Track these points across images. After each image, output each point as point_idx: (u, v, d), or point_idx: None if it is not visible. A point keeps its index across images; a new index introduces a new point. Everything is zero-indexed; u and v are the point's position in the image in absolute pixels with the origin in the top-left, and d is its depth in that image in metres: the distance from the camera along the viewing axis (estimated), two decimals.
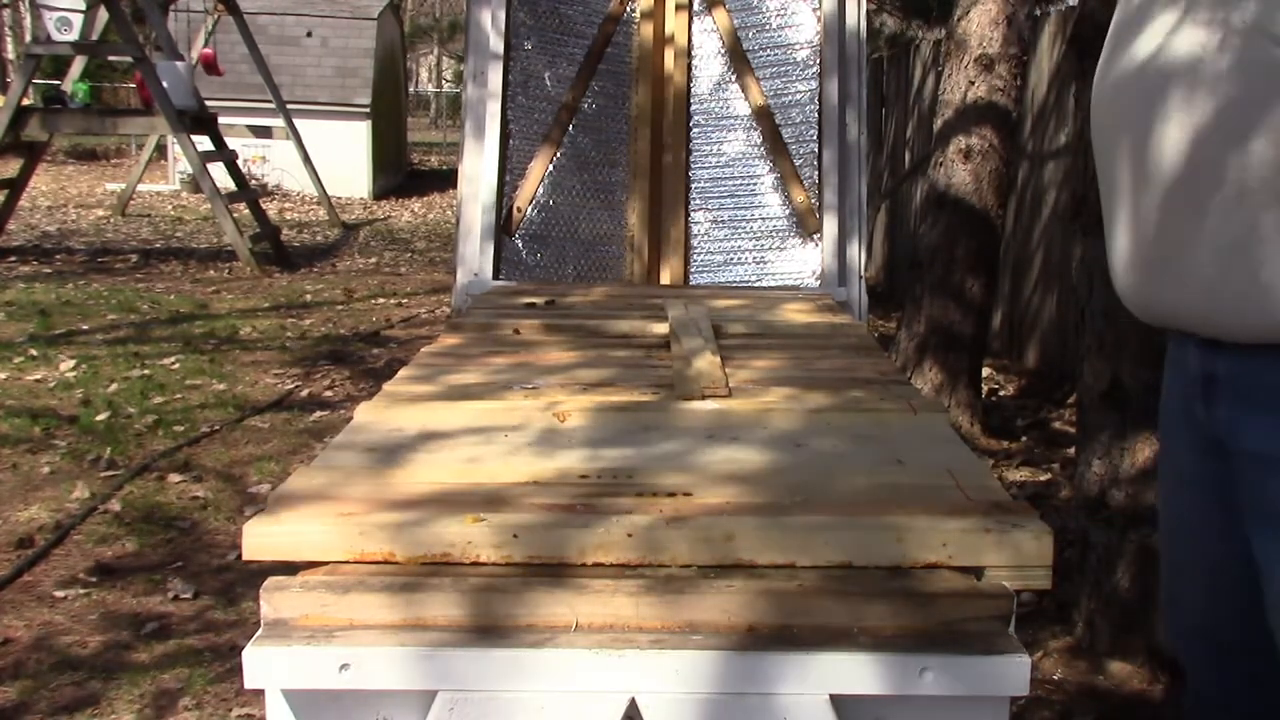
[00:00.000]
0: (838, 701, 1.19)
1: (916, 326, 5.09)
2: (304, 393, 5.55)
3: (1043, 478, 4.42)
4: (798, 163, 3.37)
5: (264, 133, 14.80)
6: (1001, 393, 5.96)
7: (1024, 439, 5.01)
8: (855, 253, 3.29)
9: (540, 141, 3.39)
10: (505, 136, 3.28)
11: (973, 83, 4.96)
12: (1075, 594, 2.99)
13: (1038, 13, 6.12)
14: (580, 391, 1.94)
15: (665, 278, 3.46)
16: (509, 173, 3.30)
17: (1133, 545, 2.80)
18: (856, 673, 1.18)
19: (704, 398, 1.89)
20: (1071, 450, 3.68)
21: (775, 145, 3.39)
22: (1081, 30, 2.90)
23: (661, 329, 2.48)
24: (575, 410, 1.80)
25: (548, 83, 3.42)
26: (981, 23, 4.96)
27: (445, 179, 17.06)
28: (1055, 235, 6.13)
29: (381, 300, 8.32)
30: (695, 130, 3.53)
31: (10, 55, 22.68)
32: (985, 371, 5.62)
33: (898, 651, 1.19)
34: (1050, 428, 5.19)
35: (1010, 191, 5.56)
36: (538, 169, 3.36)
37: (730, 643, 1.20)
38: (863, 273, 3.33)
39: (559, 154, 3.41)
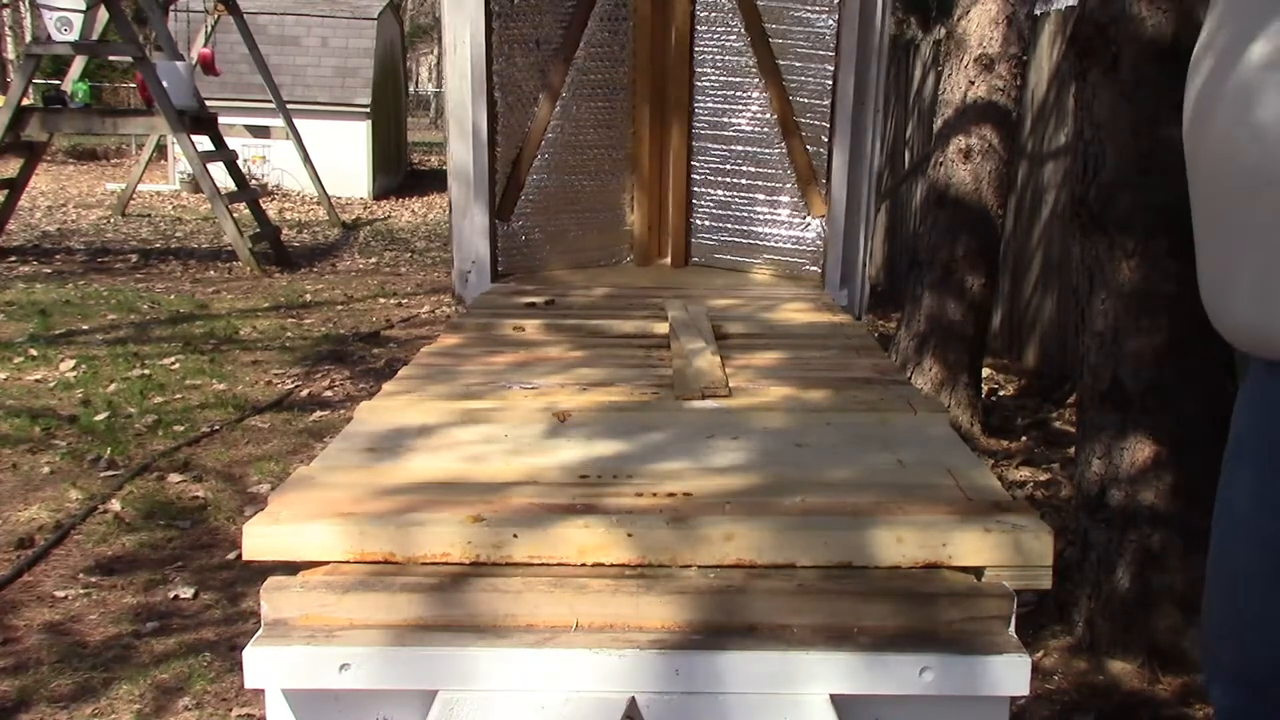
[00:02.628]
0: (838, 701, 1.19)
1: (916, 325, 5.09)
2: (304, 393, 5.55)
3: (1043, 478, 4.42)
4: (809, 148, 3.29)
5: (264, 133, 14.81)
6: (1001, 392, 5.96)
7: (1024, 439, 5.01)
8: (858, 252, 3.27)
9: (530, 117, 3.27)
10: (492, 118, 3.12)
11: (973, 82, 4.96)
12: (1075, 594, 2.99)
13: (1038, 12, 6.12)
14: (580, 391, 1.95)
15: (666, 252, 3.45)
16: (499, 146, 3.18)
17: (1133, 545, 2.80)
18: (856, 673, 1.18)
19: (704, 397, 1.89)
20: (1071, 450, 3.68)
21: (786, 125, 3.28)
22: (1081, 30, 2.90)
23: (661, 329, 2.48)
24: (575, 410, 1.80)
25: (535, 51, 3.24)
26: (981, 22, 4.95)
27: (445, 179, 17.01)
28: (1055, 235, 6.13)
29: (381, 300, 8.32)
30: (699, 105, 3.44)
31: (10, 55, 22.68)
32: (985, 371, 5.62)
33: (898, 651, 1.19)
34: (1050, 428, 5.18)
35: (1010, 191, 5.56)
36: (530, 148, 3.27)
37: (730, 643, 1.20)
38: (865, 263, 3.31)
39: (551, 125, 3.30)
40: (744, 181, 3.44)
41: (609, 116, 3.43)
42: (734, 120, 3.42)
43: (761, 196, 3.42)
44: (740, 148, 3.43)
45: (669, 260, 3.55)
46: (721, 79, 3.41)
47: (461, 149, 3.12)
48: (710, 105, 3.45)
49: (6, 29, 23.64)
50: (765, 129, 3.36)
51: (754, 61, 3.32)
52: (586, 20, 3.30)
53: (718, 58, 3.41)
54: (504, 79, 3.15)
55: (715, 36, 3.40)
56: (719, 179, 3.48)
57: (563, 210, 3.42)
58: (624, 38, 3.39)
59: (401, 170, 18.43)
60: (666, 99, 3.44)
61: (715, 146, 3.47)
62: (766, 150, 3.37)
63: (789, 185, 3.34)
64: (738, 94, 3.40)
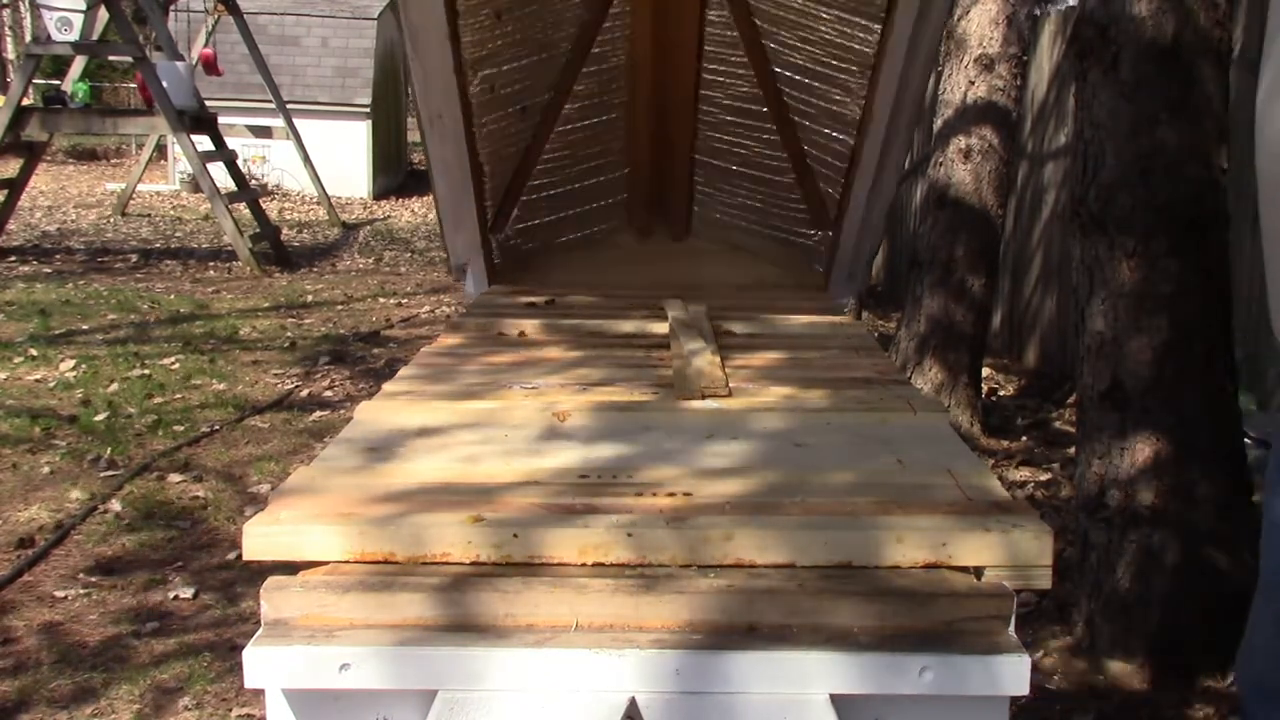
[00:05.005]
0: (838, 701, 1.19)
1: (916, 326, 5.09)
2: (304, 393, 5.55)
3: (1043, 478, 4.42)
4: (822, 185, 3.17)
5: (264, 133, 14.81)
6: (1001, 392, 5.95)
7: (1024, 439, 5.01)
8: (863, 259, 3.23)
9: (521, 154, 3.15)
10: (478, 172, 2.95)
11: (973, 83, 4.96)
12: (1075, 594, 2.99)
13: (1037, 12, 6.12)
14: (580, 391, 1.94)
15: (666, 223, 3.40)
16: (485, 184, 3.05)
17: (1133, 545, 2.80)
18: (856, 673, 1.18)
19: (704, 397, 1.88)
20: (1071, 450, 3.67)
21: (798, 165, 3.16)
22: (1081, 30, 2.90)
23: (661, 329, 2.48)
24: (575, 410, 1.80)
25: (522, 114, 3.04)
26: (981, 22, 4.96)
27: None
28: (1055, 235, 6.13)
29: (381, 300, 8.32)
30: (703, 132, 3.39)
31: (10, 55, 22.67)
32: (985, 371, 5.62)
33: (898, 651, 1.19)
34: (1050, 428, 5.18)
35: (1010, 191, 5.56)
36: (521, 178, 3.18)
37: (730, 643, 1.20)
38: (869, 268, 3.29)
39: (544, 155, 3.22)
40: (747, 185, 3.43)
41: (606, 124, 3.37)
42: (739, 152, 3.36)
43: (764, 203, 3.40)
44: (744, 168, 3.38)
45: (669, 232, 3.51)
46: (727, 117, 3.31)
47: (446, 188, 2.95)
48: (715, 136, 3.38)
49: (6, 29, 23.63)
50: (774, 162, 3.29)
51: (765, 111, 3.17)
52: (577, 76, 3.13)
53: (725, 102, 3.27)
54: (490, 138, 3.01)
55: (722, 84, 3.25)
56: (721, 174, 3.46)
57: (559, 207, 3.40)
58: (619, 80, 3.24)
59: (402, 170, 18.43)
60: (668, 118, 3.31)
61: (718, 161, 3.43)
62: (774, 176, 3.33)
63: (795, 197, 3.32)
64: (745, 131, 3.29)
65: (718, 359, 2.13)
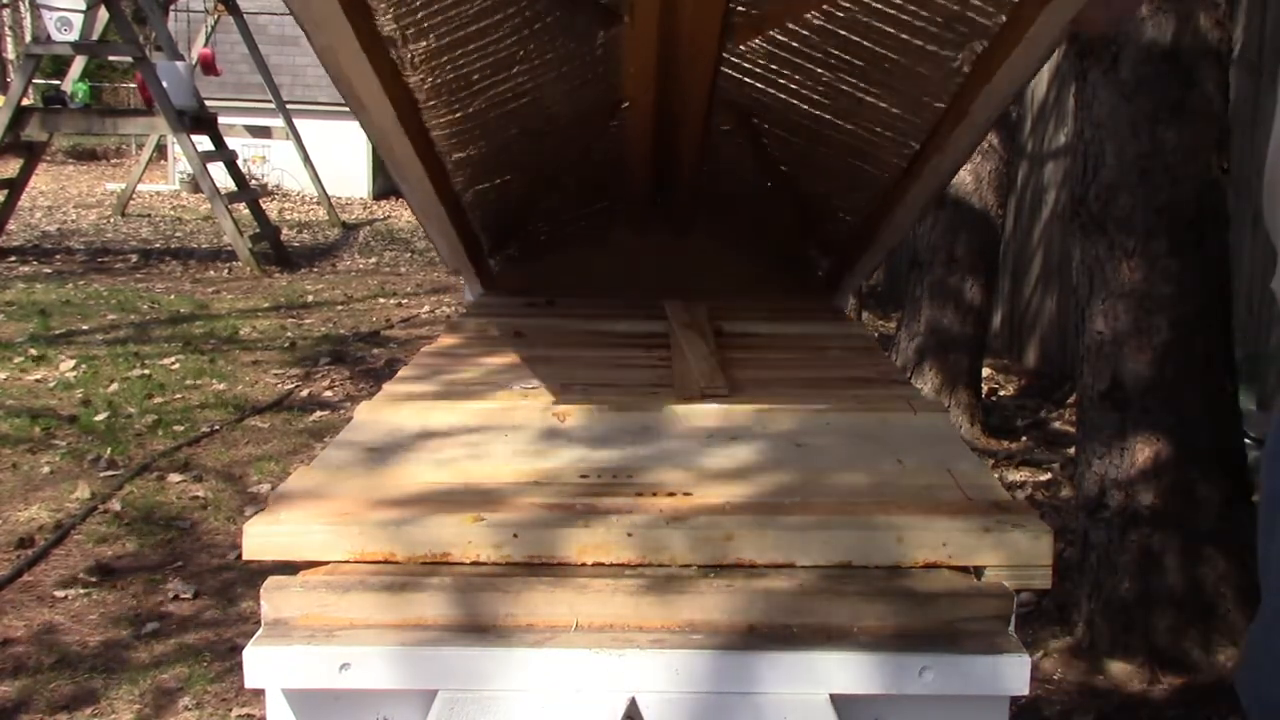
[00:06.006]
0: (838, 701, 1.19)
1: (916, 326, 5.10)
2: (304, 393, 5.55)
3: (1043, 478, 4.42)
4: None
5: (264, 133, 14.81)
6: (1001, 393, 5.96)
7: (1024, 439, 5.01)
8: (867, 266, 3.21)
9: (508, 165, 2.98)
10: (472, 247, 2.85)
11: None
12: (1075, 594, 2.99)
13: None
14: (580, 391, 1.94)
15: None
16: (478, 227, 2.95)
17: (1133, 545, 2.80)
18: (856, 673, 1.18)
19: (704, 398, 1.88)
20: (1071, 450, 3.68)
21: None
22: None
23: (661, 328, 2.48)
24: (575, 410, 1.80)
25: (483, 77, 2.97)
26: None
27: None
28: (1055, 235, 6.13)
29: (381, 300, 8.32)
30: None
31: (10, 55, 22.67)
32: (985, 371, 5.62)
33: (898, 651, 1.19)
34: (1050, 428, 5.18)
35: (1010, 191, 5.56)
36: (515, 221, 3.16)
37: (730, 643, 1.20)
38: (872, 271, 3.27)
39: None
40: (749, 202, 3.40)
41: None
42: (743, 189, 3.32)
43: (767, 214, 3.39)
44: (744, 202, 3.35)
45: (670, 231, 3.49)
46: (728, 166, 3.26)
47: (434, 231, 2.79)
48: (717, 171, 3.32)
49: (6, 29, 23.63)
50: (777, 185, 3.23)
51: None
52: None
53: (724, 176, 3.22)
54: (478, 203, 2.85)
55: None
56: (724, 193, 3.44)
57: (558, 222, 3.40)
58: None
59: None
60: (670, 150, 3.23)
61: (721, 191, 3.40)
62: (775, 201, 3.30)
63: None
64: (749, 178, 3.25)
65: (718, 359, 2.13)
